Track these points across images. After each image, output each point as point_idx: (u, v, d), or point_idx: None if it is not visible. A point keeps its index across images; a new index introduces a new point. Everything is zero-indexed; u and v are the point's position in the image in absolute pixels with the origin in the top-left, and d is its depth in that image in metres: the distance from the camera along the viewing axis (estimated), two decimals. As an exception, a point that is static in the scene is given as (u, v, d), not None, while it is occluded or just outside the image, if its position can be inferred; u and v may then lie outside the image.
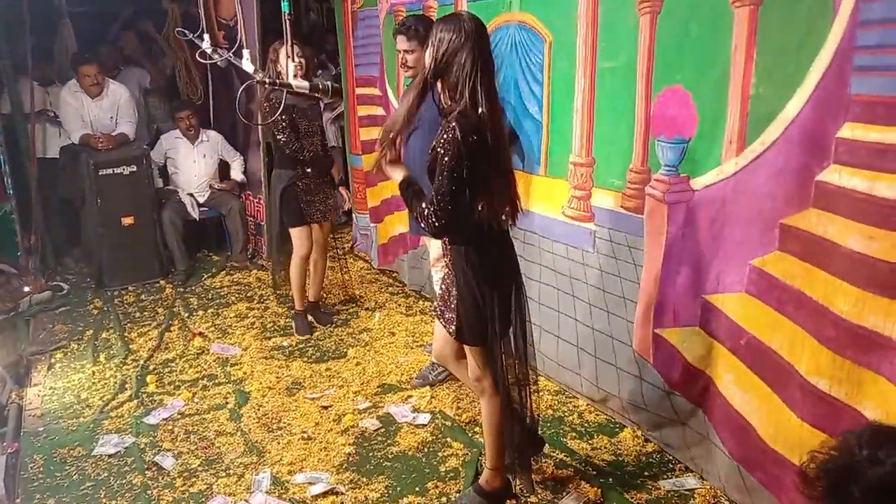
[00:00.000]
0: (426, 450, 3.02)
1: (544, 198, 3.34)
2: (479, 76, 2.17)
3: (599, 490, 2.68)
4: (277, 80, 3.62)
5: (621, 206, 2.88)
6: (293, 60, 3.65)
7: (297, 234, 4.08)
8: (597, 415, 3.22)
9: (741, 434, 2.44)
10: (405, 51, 3.26)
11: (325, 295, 4.68)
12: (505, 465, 2.58)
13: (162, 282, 5.17)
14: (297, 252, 4.13)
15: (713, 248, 2.50)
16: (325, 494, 2.73)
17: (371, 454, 3.00)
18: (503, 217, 2.34)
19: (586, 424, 3.16)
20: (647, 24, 2.65)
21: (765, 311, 2.32)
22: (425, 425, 3.19)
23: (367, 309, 4.56)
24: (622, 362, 2.99)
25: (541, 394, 3.41)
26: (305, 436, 3.14)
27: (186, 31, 4.60)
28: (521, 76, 3.36)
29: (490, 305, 2.34)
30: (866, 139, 1.95)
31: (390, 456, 2.99)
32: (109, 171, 4.97)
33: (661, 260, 2.70)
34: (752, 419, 2.40)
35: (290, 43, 3.58)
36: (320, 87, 3.73)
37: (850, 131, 2.01)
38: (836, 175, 2.07)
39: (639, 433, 3.01)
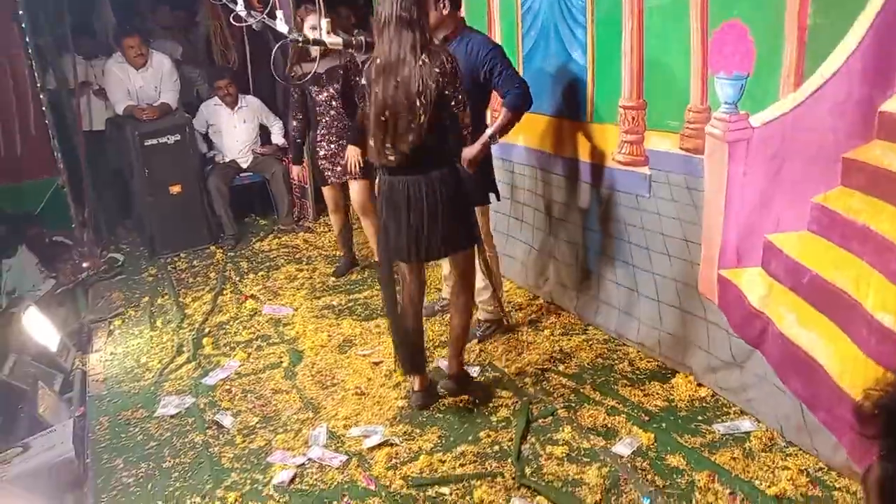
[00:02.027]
0: (477, 401, 3.03)
1: (592, 145, 3.27)
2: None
3: (653, 435, 2.66)
4: (311, 39, 3.60)
5: (679, 148, 2.80)
6: (323, 17, 3.63)
7: (324, 193, 4.52)
8: (648, 362, 3.19)
9: (807, 373, 2.39)
10: None
11: (358, 250, 4.78)
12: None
13: (212, 247, 5.26)
14: (328, 207, 4.61)
15: (773, 186, 2.42)
16: (380, 446, 2.77)
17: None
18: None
19: (638, 372, 3.14)
20: (697, -44, 2.53)
21: (828, 248, 2.24)
22: (475, 377, 3.21)
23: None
24: (686, 305, 2.95)
25: (589, 342, 3.40)
26: (359, 391, 3.19)
27: (220, -4, 4.60)
28: (561, 20, 3.26)
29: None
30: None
31: (442, 408, 3.01)
32: (154, 141, 5.04)
33: (723, 200, 2.63)
34: (819, 357, 2.34)
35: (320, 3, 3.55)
36: (354, 42, 3.70)
37: (915, 58, 1.91)
38: (901, 104, 1.97)
39: (691, 378, 2.98)
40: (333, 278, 4.53)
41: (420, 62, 2.54)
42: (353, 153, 4.08)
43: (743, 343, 2.68)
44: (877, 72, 2.02)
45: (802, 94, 2.27)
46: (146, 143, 5.02)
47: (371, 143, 2.70)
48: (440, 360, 3.36)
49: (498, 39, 3.78)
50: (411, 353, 2.99)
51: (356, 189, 4.22)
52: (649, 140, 2.95)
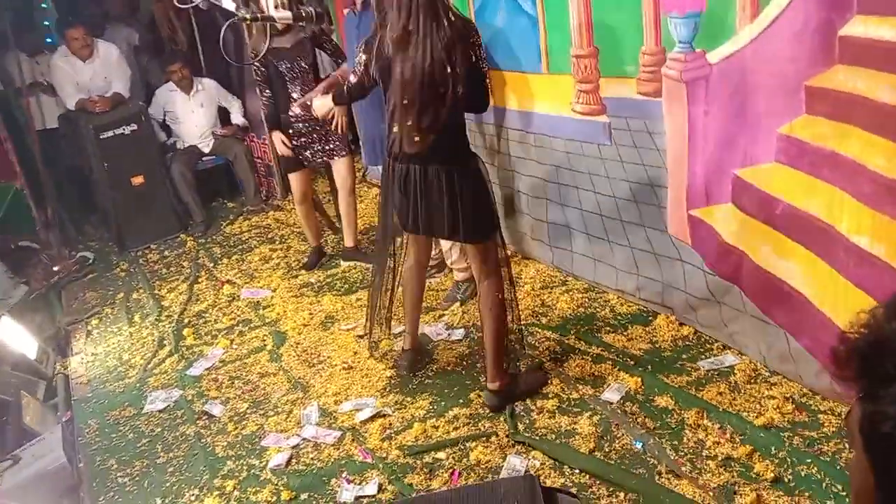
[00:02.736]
0: (465, 363, 3.04)
1: (549, 97, 3.23)
2: None
3: (640, 379, 2.69)
4: (259, 15, 3.49)
5: (637, 93, 2.76)
6: None
7: (292, 179, 4.11)
8: (629, 306, 3.21)
9: (787, 302, 2.41)
10: None
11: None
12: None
13: (182, 235, 5.17)
14: (294, 197, 4.19)
15: (737, 121, 2.40)
16: (372, 419, 2.78)
17: (412, 374, 3.03)
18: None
19: (619, 317, 3.16)
20: None
21: (798, 177, 2.24)
22: (461, 340, 3.21)
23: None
24: (658, 248, 2.95)
25: (569, 293, 3.41)
26: (346, 366, 3.18)
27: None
28: (509, -30, 3.18)
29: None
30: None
31: (430, 373, 3.02)
32: (110, 133, 4.89)
33: (686, 141, 2.61)
34: (798, 285, 2.36)
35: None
36: (304, 14, 3.60)
37: (872, -23, 1.88)
38: (861, 27, 1.95)
39: (673, 318, 3.00)
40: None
41: (448, 30, 2.31)
42: (339, 112, 3.65)
43: (720, 279, 2.70)
44: (835, -5, 2.00)
45: (760, 25, 2.24)
46: (102, 137, 4.87)
47: (395, 130, 2.46)
48: (424, 326, 3.35)
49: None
50: (373, 328, 3.08)
51: (341, 167, 4.00)
52: (606, 87, 2.91)
